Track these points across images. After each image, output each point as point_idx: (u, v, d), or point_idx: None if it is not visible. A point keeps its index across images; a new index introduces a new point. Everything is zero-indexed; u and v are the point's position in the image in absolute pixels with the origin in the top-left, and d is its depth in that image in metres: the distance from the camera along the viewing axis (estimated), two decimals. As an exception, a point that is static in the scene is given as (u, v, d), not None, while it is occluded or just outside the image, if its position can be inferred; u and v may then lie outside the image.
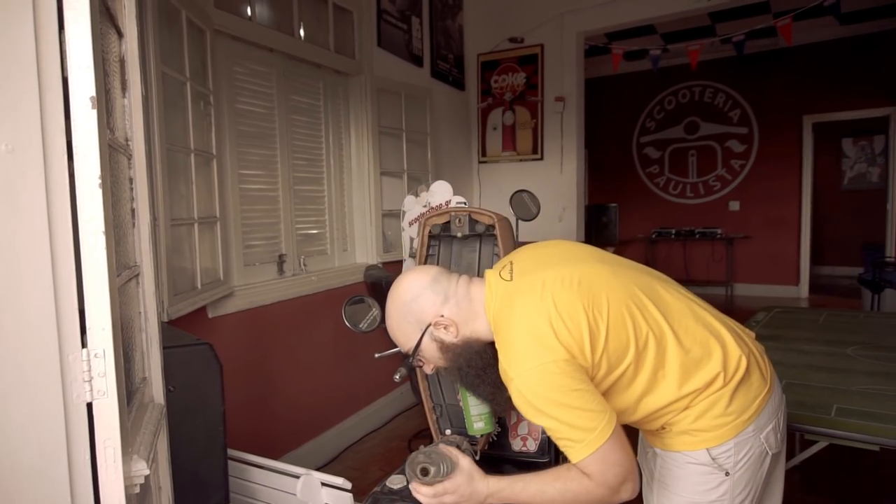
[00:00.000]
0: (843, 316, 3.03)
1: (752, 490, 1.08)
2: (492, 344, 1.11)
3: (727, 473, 1.05)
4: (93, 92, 0.80)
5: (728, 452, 1.04)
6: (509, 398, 1.04)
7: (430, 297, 1.12)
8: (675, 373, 1.03)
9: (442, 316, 1.11)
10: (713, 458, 1.04)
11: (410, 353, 1.15)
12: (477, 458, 1.37)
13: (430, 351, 1.14)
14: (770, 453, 1.08)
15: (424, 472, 1.06)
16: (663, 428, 1.09)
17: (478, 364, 1.13)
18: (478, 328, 1.12)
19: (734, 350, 1.06)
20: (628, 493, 0.97)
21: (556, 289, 1.02)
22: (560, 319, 0.98)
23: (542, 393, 0.95)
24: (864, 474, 2.59)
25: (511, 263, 1.14)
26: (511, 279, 1.09)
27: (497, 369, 1.06)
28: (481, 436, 1.40)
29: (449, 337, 1.12)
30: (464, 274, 1.19)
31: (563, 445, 0.98)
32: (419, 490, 1.07)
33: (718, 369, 1.03)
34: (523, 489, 1.02)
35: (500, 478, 1.06)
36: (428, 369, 1.19)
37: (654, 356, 1.02)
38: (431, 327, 1.12)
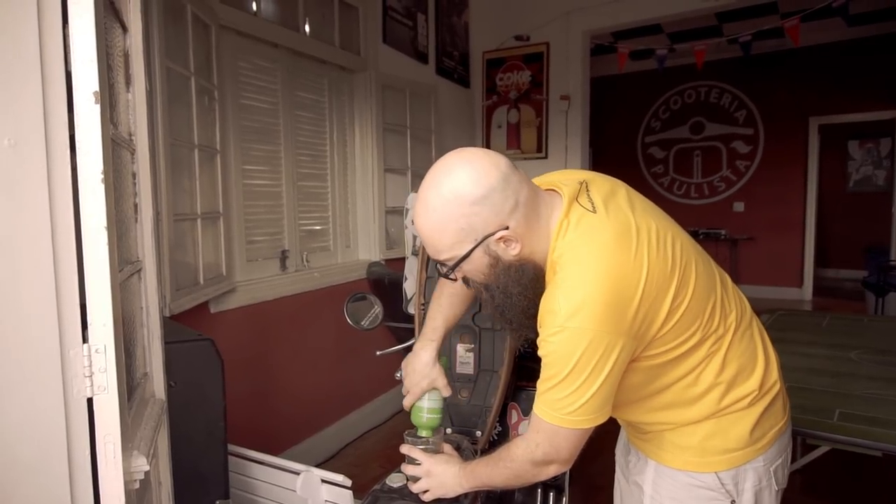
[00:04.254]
0: (846, 319, 3.02)
1: None
2: (543, 274, 0.94)
3: (733, 502, 0.98)
4: (96, 87, 0.80)
5: (737, 478, 0.98)
6: (526, 335, 0.98)
7: (497, 201, 0.86)
8: (710, 377, 0.95)
9: (507, 229, 0.88)
10: (722, 483, 0.98)
11: (448, 263, 0.93)
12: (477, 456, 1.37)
13: (476, 265, 0.92)
14: (777, 489, 1.03)
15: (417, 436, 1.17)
16: (660, 432, 1.03)
17: (529, 293, 0.93)
18: (537, 249, 0.92)
19: (774, 371, 1.02)
20: (551, 472, 0.97)
21: (651, 250, 0.87)
22: (648, 299, 0.85)
23: (577, 355, 0.84)
24: (865, 479, 2.58)
25: (586, 188, 0.94)
26: (594, 210, 0.90)
27: (537, 303, 0.90)
28: (479, 434, 1.40)
29: (509, 255, 0.90)
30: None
31: (543, 398, 0.90)
32: (413, 453, 1.13)
33: (754, 388, 0.98)
34: (484, 466, 1.05)
35: (475, 461, 1.10)
36: (455, 279, 0.98)
37: (704, 355, 0.95)
38: (491, 239, 0.88)
